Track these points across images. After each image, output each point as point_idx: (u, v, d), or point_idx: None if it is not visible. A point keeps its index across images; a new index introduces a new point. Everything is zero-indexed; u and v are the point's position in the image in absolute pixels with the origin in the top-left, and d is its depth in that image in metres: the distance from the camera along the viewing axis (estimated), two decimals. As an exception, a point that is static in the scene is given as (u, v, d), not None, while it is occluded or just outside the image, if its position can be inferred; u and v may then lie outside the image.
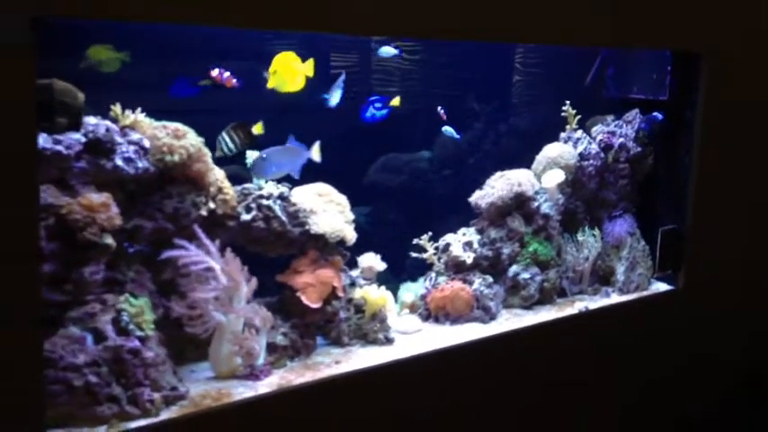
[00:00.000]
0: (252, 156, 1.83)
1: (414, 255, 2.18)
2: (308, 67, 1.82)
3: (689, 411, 2.62)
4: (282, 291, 1.86)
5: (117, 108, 1.61)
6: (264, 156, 1.80)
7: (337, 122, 2.05)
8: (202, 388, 1.61)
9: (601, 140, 2.47)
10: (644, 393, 2.46)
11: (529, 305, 2.23)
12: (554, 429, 2.20)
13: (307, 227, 1.85)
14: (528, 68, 2.57)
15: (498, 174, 2.29)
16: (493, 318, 2.13)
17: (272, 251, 1.85)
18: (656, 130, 2.49)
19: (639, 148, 2.49)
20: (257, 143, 1.81)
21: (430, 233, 2.18)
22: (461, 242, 2.20)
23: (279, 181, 1.88)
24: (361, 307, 1.94)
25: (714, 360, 2.66)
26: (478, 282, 2.15)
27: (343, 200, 1.95)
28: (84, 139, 1.48)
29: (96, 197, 1.46)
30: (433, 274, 2.18)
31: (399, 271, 2.23)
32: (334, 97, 1.93)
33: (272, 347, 1.75)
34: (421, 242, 2.17)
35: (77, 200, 1.44)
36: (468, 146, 2.49)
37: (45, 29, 1.22)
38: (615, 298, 2.37)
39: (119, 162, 1.54)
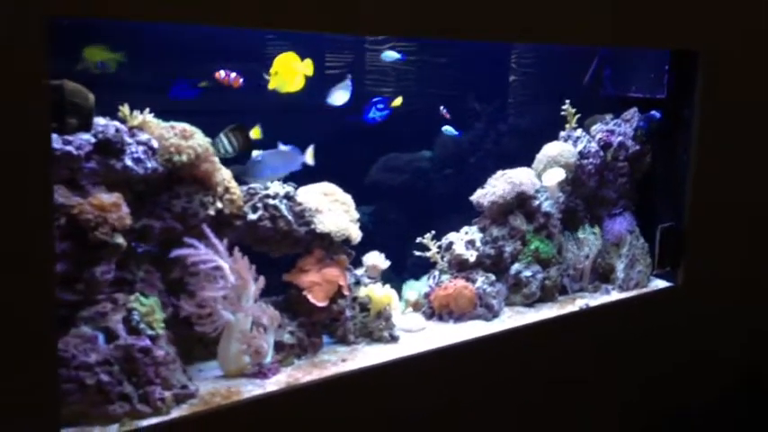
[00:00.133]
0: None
1: (417, 253, 2.19)
2: (306, 67, 1.83)
3: (688, 408, 2.64)
4: (289, 290, 1.87)
5: (125, 109, 1.62)
6: (260, 158, 1.80)
7: (338, 123, 2.06)
8: (211, 386, 1.62)
9: (600, 139, 2.49)
10: (644, 390, 2.48)
11: (531, 303, 2.25)
12: (555, 425, 2.22)
13: (312, 226, 1.86)
14: (527, 68, 2.59)
15: (499, 172, 2.31)
16: (496, 315, 2.15)
17: (279, 250, 1.86)
18: (654, 129, 2.51)
19: (638, 147, 2.51)
20: (258, 143, 1.81)
21: (432, 232, 2.19)
22: (464, 241, 2.21)
23: (284, 180, 1.89)
24: (366, 305, 1.95)
25: (713, 357, 2.67)
26: (481, 280, 2.16)
27: (348, 199, 1.96)
28: (93, 140, 1.49)
29: (107, 197, 1.47)
30: (437, 273, 2.19)
31: (401, 269, 2.24)
32: (341, 98, 1.94)
33: (279, 346, 1.76)
34: (424, 241, 2.19)
35: (88, 200, 1.45)
36: (469, 145, 2.50)
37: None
38: (615, 295, 2.39)
39: (128, 162, 1.55)
